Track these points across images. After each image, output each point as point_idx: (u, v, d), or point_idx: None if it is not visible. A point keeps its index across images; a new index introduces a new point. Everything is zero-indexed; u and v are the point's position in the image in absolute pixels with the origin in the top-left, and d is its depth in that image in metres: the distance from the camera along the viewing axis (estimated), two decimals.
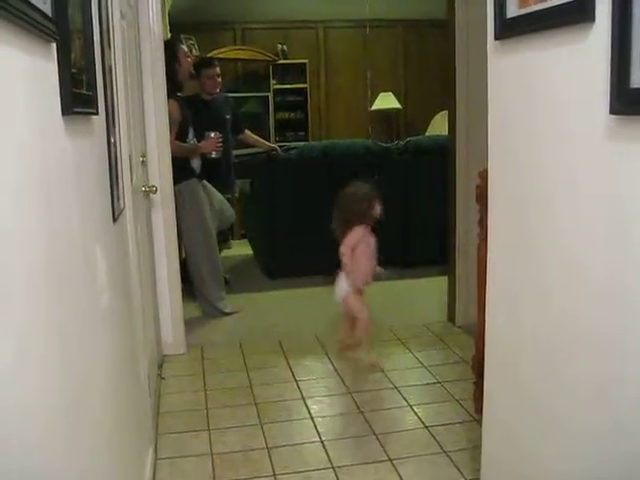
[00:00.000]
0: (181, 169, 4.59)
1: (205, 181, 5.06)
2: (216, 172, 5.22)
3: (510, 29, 1.91)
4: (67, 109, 1.43)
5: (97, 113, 1.82)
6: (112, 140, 2.16)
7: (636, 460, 1.56)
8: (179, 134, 4.71)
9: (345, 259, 3.82)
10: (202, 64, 5.42)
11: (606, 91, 1.47)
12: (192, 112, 4.97)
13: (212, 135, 4.95)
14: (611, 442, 1.64)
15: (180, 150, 4.61)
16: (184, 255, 5.10)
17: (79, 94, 1.54)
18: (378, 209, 3.85)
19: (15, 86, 1.13)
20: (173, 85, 4.54)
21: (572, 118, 1.69)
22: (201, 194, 4.91)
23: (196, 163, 4.94)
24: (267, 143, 6.35)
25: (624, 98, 1.42)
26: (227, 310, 4.98)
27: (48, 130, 1.34)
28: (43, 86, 1.33)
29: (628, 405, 1.57)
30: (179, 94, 4.86)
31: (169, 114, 4.42)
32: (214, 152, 4.96)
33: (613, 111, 1.46)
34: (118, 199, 2.24)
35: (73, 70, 1.48)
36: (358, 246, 3.82)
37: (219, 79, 5.43)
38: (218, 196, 5.26)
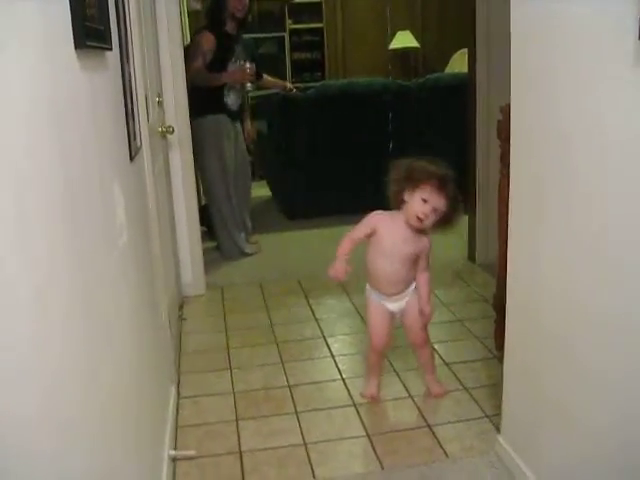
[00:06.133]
0: (210, 101, 4.51)
1: (238, 124, 4.93)
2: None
3: None
4: (80, 43, 1.40)
5: (111, 48, 1.78)
6: (127, 76, 2.12)
7: None
8: (211, 66, 4.58)
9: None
10: None
11: (636, 15, 1.42)
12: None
13: (245, 64, 4.66)
14: (632, 385, 1.63)
15: (206, 78, 4.50)
16: (203, 200, 5.07)
17: (92, 28, 1.51)
18: (422, 207, 2.56)
19: (26, 17, 1.10)
20: (211, 21, 4.65)
21: (597, 47, 1.64)
22: (227, 132, 4.75)
23: (231, 99, 4.75)
24: (284, 83, 6.23)
25: None
26: (247, 250, 4.99)
27: (61, 64, 1.31)
28: (55, 18, 1.29)
29: None
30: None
31: (198, 44, 4.51)
32: (249, 84, 4.84)
33: None
34: (135, 137, 2.22)
35: (85, 3, 1.44)
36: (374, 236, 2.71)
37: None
38: (242, 145, 5.07)
